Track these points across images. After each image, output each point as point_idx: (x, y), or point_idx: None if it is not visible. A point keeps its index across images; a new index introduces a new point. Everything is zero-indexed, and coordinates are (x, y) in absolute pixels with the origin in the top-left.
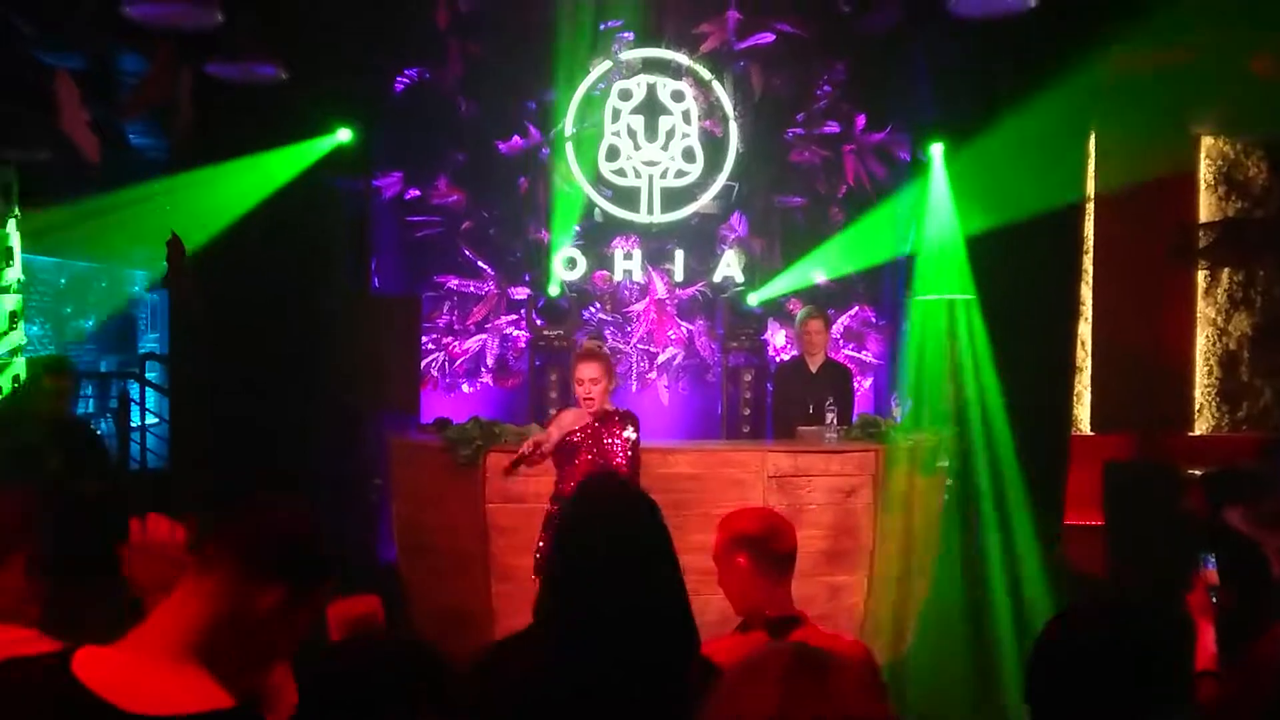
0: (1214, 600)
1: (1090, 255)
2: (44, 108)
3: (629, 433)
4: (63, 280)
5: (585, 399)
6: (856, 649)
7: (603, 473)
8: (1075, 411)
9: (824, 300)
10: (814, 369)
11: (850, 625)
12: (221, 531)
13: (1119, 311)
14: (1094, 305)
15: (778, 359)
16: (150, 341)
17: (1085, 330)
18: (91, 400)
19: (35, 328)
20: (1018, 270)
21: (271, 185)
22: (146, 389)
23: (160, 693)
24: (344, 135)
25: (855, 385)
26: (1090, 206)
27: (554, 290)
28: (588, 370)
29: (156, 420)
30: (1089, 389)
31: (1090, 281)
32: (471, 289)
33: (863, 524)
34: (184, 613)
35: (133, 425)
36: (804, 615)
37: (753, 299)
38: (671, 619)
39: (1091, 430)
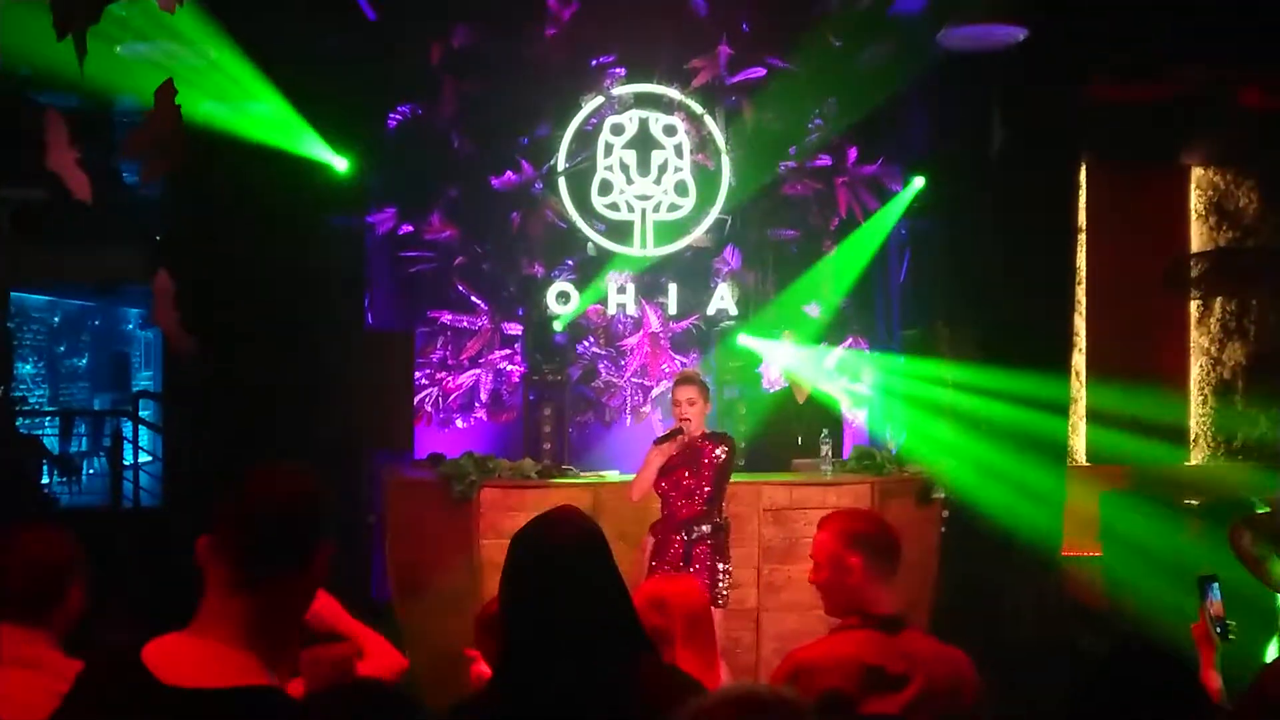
0: (1218, 631)
1: (1083, 285)
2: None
3: (719, 451)
4: (56, 318)
5: (683, 420)
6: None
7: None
8: (1071, 442)
9: (816, 333)
10: (800, 400)
11: None
12: (223, 515)
13: (1112, 341)
14: (1087, 335)
15: (773, 391)
16: (144, 379)
17: (1079, 360)
18: (85, 439)
19: (29, 366)
20: (1011, 301)
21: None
22: (140, 427)
23: (201, 669)
24: (341, 165)
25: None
26: (1082, 237)
27: (557, 327)
28: (685, 392)
29: (150, 458)
30: (1083, 419)
31: (1083, 312)
32: (465, 324)
33: None
34: (227, 601)
35: (126, 463)
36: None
37: (742, 339)
38: (617, 628)
39: (1087, 461)
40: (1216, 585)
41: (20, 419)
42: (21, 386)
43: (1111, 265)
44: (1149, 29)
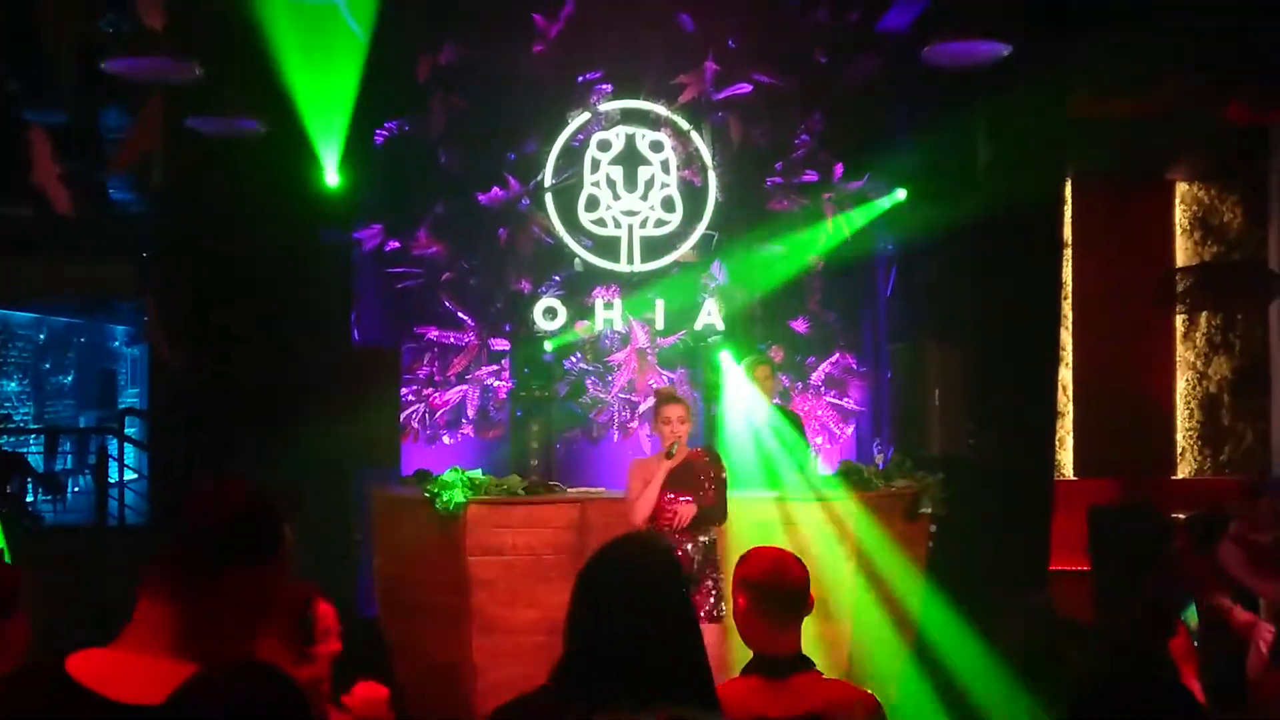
0: (1195, 645)
1: (1069, 300)
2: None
3: (714, 461)
4: (41, 336)
5: (675, 438)
6: (861, 697)
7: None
8: (1058, 456)
9: (805, 348)
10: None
11: (832, 676)
12: (168, 529)
13: (1099, 356)
14: (1074, 350)
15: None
16: (130, 397)
17: (1066, 375)
18: (70, 456)
19: (13, 384)
20: (998, 315)
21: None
22: (125, 444)
23: (147, 683)
24: (333, 179)
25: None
26: (1068, 252)
27: (548, 347)
28: (676, 411)
29: (136, 476)
30: (1071, 434)
31: (1070, 326)
32: (452, 340)
33: (845, 572)
34: (162, 611)
35: (112, 481)
36: (807, 660)
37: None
38: (687, 668)
39: (1075, 475)
40: (1195, 603)
41: (4, 436)
42: (6, 404)
43: (1098, 280)
44: (1134, 46)
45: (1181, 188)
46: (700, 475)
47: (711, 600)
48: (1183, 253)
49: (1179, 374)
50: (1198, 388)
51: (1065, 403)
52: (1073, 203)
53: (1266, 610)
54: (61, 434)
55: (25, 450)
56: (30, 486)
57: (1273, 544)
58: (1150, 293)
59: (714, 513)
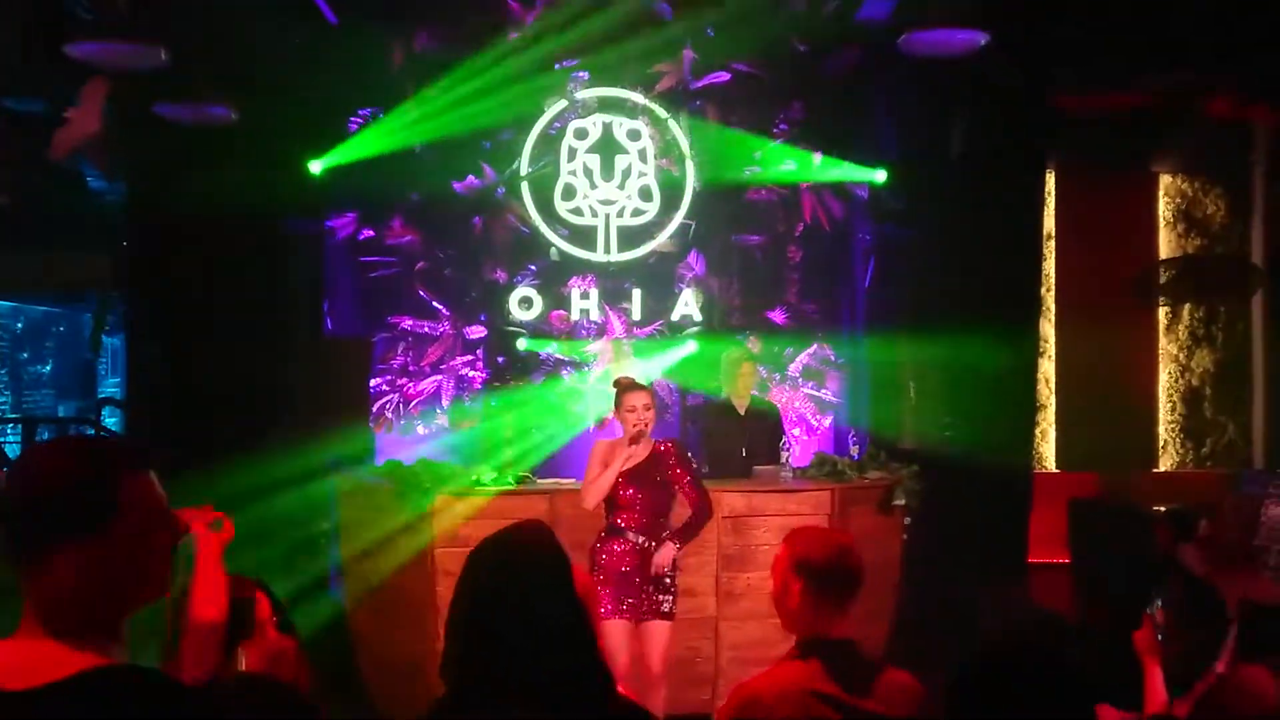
0: (1160, 639)
1: (1052, 293)
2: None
3: (684, 454)
4: (19, 325)
5: (637, 426)
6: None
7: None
8: (1040, 449)
9: (783, 338)
10: (741, 410)
11: None
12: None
13: (1082, 348)
14: (1056, 342)
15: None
16: (111, 386)
17: (1049, 367)
18: None
19: None
20: (976, 307)
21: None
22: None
23: (30, 669)
24: (316, 167)
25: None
26: (1051, 244)
27: (522, 344)
28: (639, 399)
29: None
30: (1054, 426)
31: (1053, 319)
32: (426, 330)
33: None
34: (36, 597)
35: None
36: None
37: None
38: (576, 659)
39: (1056, 468)
40: (1160, 594)
41: None
42: None
43: (1081, 272)
44: (1114, 38)
45: (1165, 180)
46: (666, 469)
47: (670, 599)
48: (1166, 246)
49: (1161, 367)
50: (1180, 381)
51: (1048, 395)
52: (1056, 195)
53: (1234, 607)
54: (39, 424)
55: (3, 440)
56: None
57: (1236, 542)
58: (1132, 285)
59: (699, 519)
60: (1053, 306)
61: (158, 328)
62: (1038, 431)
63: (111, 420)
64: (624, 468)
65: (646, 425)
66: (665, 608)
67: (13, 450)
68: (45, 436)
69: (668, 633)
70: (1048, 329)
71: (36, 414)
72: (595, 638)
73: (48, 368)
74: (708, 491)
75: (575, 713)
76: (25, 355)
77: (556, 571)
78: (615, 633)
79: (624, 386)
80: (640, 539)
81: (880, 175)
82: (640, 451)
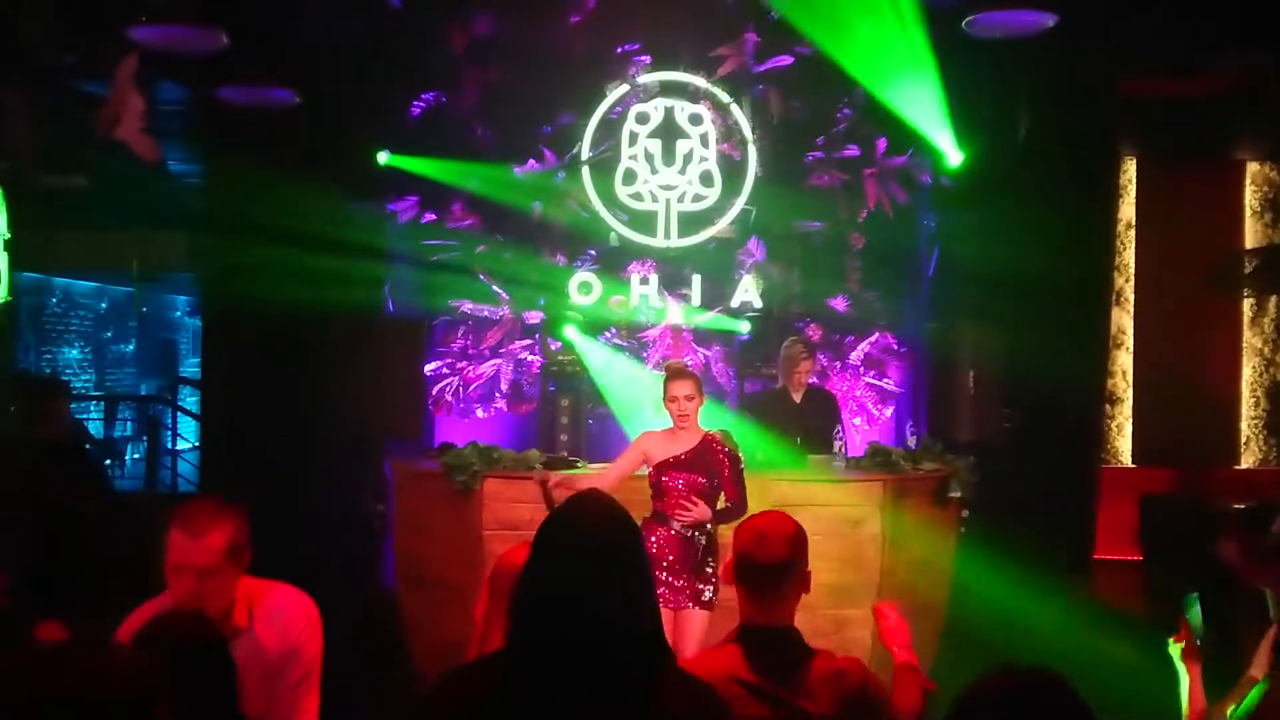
0: (1198, 645)
1: (1131, 283)
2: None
3: (732, 449)
4: (103, 304)
5: (680, 416)
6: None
7: (588, 491)
8: (1115, 443)
9: (843, 326)
10: (797, 399)
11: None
12: None
13: (1161, 341)
14: (1135, 334)
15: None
16: (191, 366)
17: (1126, 360)
18: (130, 423)
19: (75, 351)
20: (1041, 297)
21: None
22: (178, 414)
23: None
24: (383, 157)
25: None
26: (1132, 233)
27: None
28: (683, 388)
29: (189, 445)
30: (1130, 420)
31: (1132, 310)
32: (486, 313)
33: (869, 556)
34: None
35: (167, 449)
36: (796, 630)
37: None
38: (639, 637)
39: (1132, 463)
40: (1198, 600)
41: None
42: (68, 371)
43: (1162, 262)
44: (1193, 19)
45: (1253, 168)
46: (712, 459)
47: (711, 588)
48: (1252, 235)
49: (1245, 360)
50: (1264, 375)
51: (1125, 388)
52: (1137, 183)
53: (1275, 606)
54: (120, 401)
55: (85, 417)
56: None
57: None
58: (1216, 276)
59: (734, 511)
60: (1131, 297)
61: (227, 309)
62: (1113, 425)
63: (192, 400)
64: (670, 455)
65: (689, 415)
66: (706, 596)
67: (95, 427)
68: (127, 414)
69: (705, 622)
70: (1126, 320)
71: (118, 392)
72: (655, 606)
73: (130, 347)
74: (745, 489)
75: (628, 680)
76: (109, 334)
77: (626, 528)
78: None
79: (670, 373)
80: (684, 528)
81: (954, 159)
82: (688, 440)
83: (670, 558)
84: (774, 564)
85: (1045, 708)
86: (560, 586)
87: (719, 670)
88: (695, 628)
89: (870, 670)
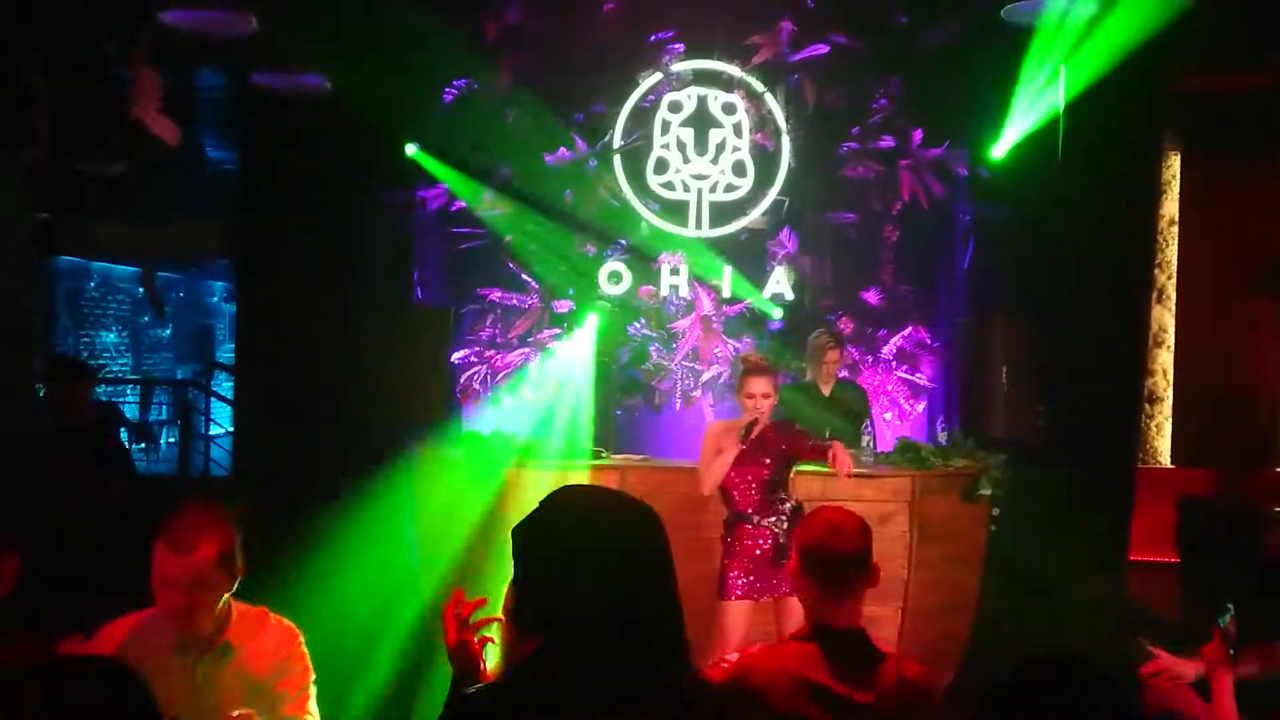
0: (1232, 653)
1: (1174, 281)
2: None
3: (791, 429)
4: (140, 290)
5: (757, 413)
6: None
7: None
8: (1155, 443)
9: (876, 320)
10: (826, 391)
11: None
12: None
13: (1203, 340)
14: (1177, 333)
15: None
16: (227, 351)
17: (1167, 359)
18: (165, 407)
19: (112, 335)
20: (1079, 293)
21: (319, 197)
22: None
23: None
24: (411, 149)
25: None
26: (1174, 230)
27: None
28: (760, 385)
29: (222, 430)
30: (1170, 420)
31: (1173, 309)
32: (515, 302)
33: (897, 553)
34: None
35: (201, 433)
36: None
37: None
38: (661, 636)
39: (1171, 463)
40: (1231, 606)
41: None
42: (105, 355)
43: (1206, 261)
44: (1243, 14)
45: None
46: (765, 442)
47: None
48: None
49: None
50: None
51: (1165, 387)
52: (1182, 180)
53: None
54: (156, 385)
55: (121, 400)
56: (124, 435)
57: None
58: (1261, 275)
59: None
60: (1173, 295)
61: (261, 295)
62: (1152, 425)
63: (227, 386)
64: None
65: (764, 413)
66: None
67: (131, 411)
68: (162, 398)
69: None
70: (1168, 318)
71: (155, 376)
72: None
73: (167, 331)
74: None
75: (647, 695)
76: (146, 319)
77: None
78: (738, 612)
79: (747, 369)
80: (761, 520)
81: (995, 151)
82: (751, 437)
83: (760, 551)
84: (851, 554)
85: (1083, 697)
86: (587, 594)
87: (790, 669)
88: (796, 615)
89: (930, 672)
